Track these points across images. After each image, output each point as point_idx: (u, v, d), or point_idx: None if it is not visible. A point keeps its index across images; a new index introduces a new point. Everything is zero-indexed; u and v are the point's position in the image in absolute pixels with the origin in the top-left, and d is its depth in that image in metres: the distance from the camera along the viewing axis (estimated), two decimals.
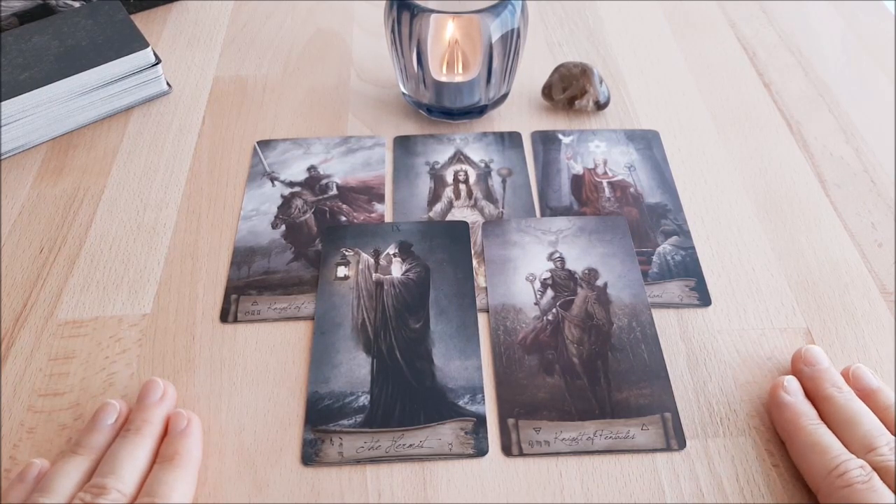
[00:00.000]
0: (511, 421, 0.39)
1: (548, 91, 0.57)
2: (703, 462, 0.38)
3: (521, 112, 0.58)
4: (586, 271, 0.46)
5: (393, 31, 0.51)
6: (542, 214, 0.50)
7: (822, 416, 0.37)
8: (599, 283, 0.46)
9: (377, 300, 0.45)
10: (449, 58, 0.52)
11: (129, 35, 0.56)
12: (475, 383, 0.41)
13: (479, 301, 0.45)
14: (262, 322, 0.44)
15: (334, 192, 0.52)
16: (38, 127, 0.54)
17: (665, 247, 0.48)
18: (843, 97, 0.59)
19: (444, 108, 0.55)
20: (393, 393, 0.40)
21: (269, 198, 0.51)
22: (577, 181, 0.52)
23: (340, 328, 0.43)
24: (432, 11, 0.49)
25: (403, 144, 0.55)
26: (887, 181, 0.52)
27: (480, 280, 0.46)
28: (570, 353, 0.42)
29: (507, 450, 0.38)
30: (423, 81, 0.53)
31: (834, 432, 0.36)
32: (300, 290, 0.45)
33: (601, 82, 0.57)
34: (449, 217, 0.50)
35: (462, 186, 0.52)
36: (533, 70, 0.61)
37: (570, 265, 0.47)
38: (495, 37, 0.49)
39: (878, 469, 0.34)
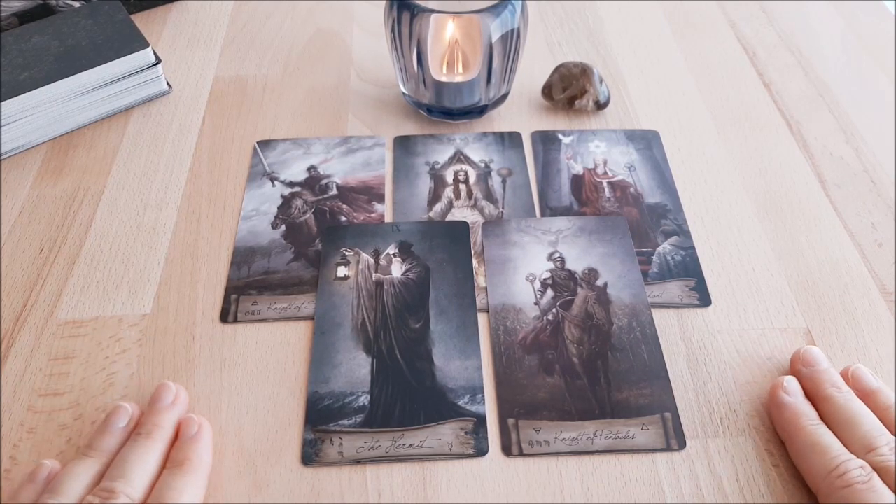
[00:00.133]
0: (511, 421, 0.39)
1: (548, 91, 0.57)
2: (703, 462, 0.38)
3: (521, 112, 0.58)
4: (586, 271, 0.46)
5: (393, 31, 0.51)
6: (542, 214, 0.50)
7: (822, 417, 0.37)
8: (599, 283, 0.46)
9: (377, 300, 0.45)
10: (449, 58, 0.52)
11: (129, 35, 0.56)
12: (475, 383, 0.41)
13: (479, 301, 0.45)
14: (262, 322, 0.44)
15: (334, 192, 0.52)
16: (38, 127, 0.54)
17: (665, 247, 0.48)
18: (843, 97, 0.59)
19: (444, 108, 0.55)
20: (393, 393, 0.40)
21: (269, 198, 0.51)
22: (577, 181, 0.52)
23: (340, 328, 0.43)
24: (432, 11, 0.49)
25: (403, 144, 0.55)
26: (887, 181, 0.52)
27: (480, 280, 0.46)
28: (570, 353, 0.42)
29: (507, 450, 0.38)
30: (423, 81, 0.53)
31: (834, 432, 0.36)
32: (300, 290, 0.45)
33: (601, 82, 0.57)
34: (449, 217, 0.50)
35: (462, 186, 0.52)
36: (533, 70, 0.61)
37: (570, 265, 0.47)
38: (495, 37, 0.49)
39: (878, 469, 0.34)
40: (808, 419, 0.37)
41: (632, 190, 0.52)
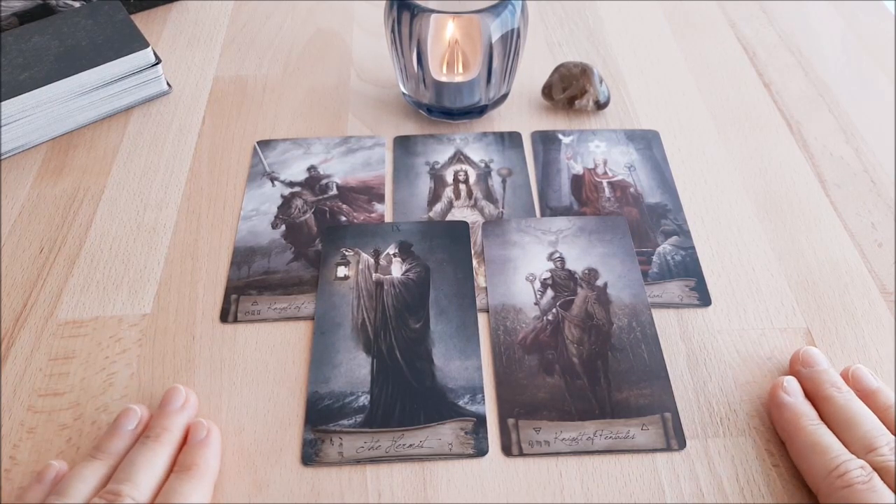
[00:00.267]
0: (511, 421, 0.39)
1: (548, 91, 0.57)
2: (703, 462, 0.38)
3: (521, 112, 0.58)
4: (586, 271, 0.46)
5: (393, 31, 0.51)
6: (542, 214, 0.50)
7: (822, 417, 0.37)
8: (599, 283, 0.46)
9: (377, 300, 0.45)
10: (449, 58, 0.52)
11: (129, 35, 0.56)
12: (475, 383, 0.41)
13: (479, 301, 0.45)
14: (262, 322, 0.44)
15: (334, 192, 0.52)
16: (38, 127, 0.54)
17: (665, 247, 0.48)
18: (843, 97, 0.59)
19: (444, 108, 0.55)
20: (393, 393, 0.40)
21: (269, 198, 0.51)
22: (577, 181, 0.52)
23: (340, 328, 0.43)
24: (432, 11, 0.49)
25: (403, 144, 0.55)
26: (887, 181, 0.52)
27: (480, 280, 0.46)
28: (570, 353, 0.42)
29: (507, 450, 0.38)
30: (423, 81, 0.53)
31: (834, 433, 0.36)
32: (300, 290, 0.45)
33: (601, 82, 0.57)
34: (449, 217, 0.50)
35: (462, 186, 0.52)
36: (533, 70, 0.61)
37: (570, 265, 0.47)
38: (495, 37, 0.49)
39: (879, 469, 0.34)
40: (808, 419, 0.37)
41: (632, 190, 0.52)
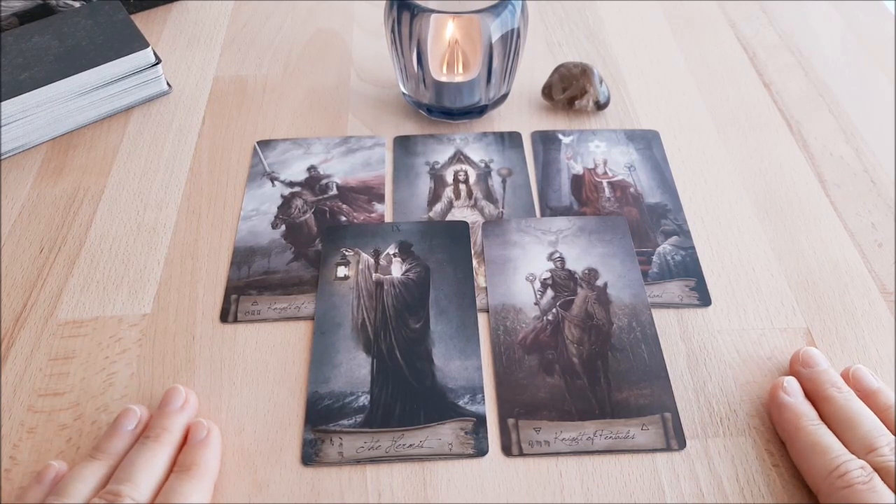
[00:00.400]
0: (511, 421, 0.39)
1: (548, 91, 0.57)
2: (703, 462, 0.38)
3: (521, 112, 0.58)
4: (586, 271, 0.46)
5: (393, 31, 0.51)
6: (542, 214, 0.50)
7: (822, 417, 0.37)
8: (599, 283, 0.46)
9: (377, 300, 0.45)
10: (449, 58, 0.52)
11: (129, 35, 0.56)
12: (475, 383, 0.41)
13: (479, 301, 0.45)
14: (262, 322, 0.44)
15: (334, 192, 0.52)
16: (38, 127, 0.54)
17: (665, 247, 0.48)
18: (843, 97, 0.59)
19: (444, 108, 0.55)
20: (393, 393, 0.40)
21: (269, 198, 0.51)
22: (577, 181, 0.52)
23: (340, 328, 0.43)
24: (432, 11, 0.49)
25: (403, 144, 0.55)
26: (887, 181, 0.52)
27: (480, 280, 0.46)
28: (570, 353, 0.42)
29: (507, 450, 0.38)
30: (423, 81, 0.53)
31: (834, 433, 0.36)
32: (300, 290, 0.45)
33: (601, 82, 0.57)
34: (449, 217, 0.50)
35: (462, 186, 0.52)
36: (533, 70, 0.61)
37: (570, 265, 0.47)
38: (495, 37, 0.49)
39: (879, 469, 0.34)
40: (808, 419, 0.37)
41: (632, 190, 0.52)
